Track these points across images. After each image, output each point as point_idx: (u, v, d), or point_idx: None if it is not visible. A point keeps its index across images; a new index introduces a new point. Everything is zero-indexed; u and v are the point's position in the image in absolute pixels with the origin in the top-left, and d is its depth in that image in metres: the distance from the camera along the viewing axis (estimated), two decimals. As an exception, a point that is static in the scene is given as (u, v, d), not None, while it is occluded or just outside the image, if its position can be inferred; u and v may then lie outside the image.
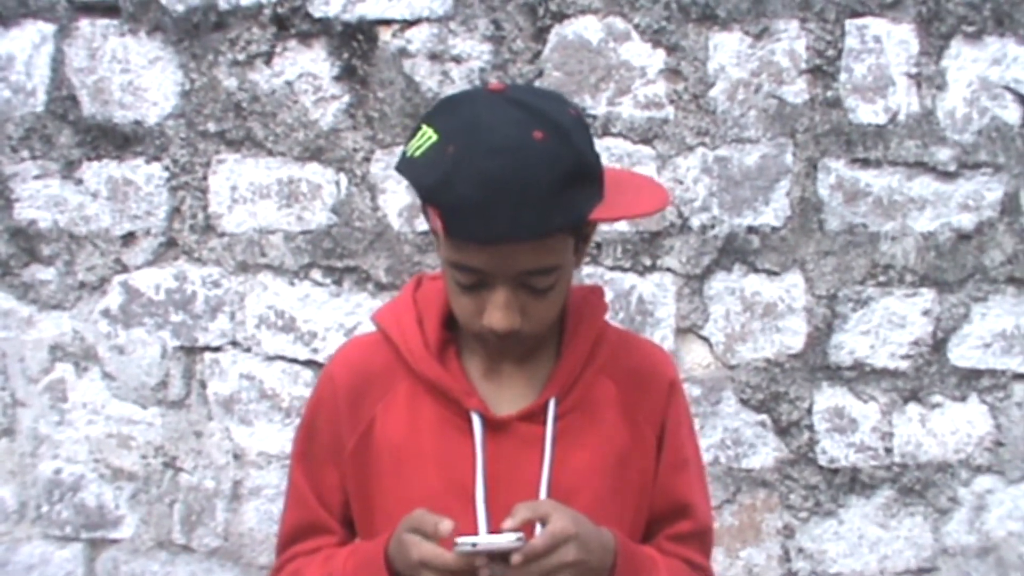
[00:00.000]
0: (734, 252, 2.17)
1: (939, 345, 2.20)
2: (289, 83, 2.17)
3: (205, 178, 2.19)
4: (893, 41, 2.19)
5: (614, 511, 1.10)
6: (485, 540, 0.96)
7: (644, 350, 1.20)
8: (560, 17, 2.16)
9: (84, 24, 2.20)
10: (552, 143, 0.96)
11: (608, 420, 1.12)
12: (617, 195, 1.03)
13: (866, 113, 2.18)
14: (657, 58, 2.16)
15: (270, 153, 2.18)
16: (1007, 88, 2.20)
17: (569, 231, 1.02)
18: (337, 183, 2.17)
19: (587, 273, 2.15)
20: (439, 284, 1.12)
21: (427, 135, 1.00)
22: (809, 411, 2.19)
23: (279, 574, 1.18)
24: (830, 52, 2.18)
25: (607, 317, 1.18)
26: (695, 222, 2.17)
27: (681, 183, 2.17)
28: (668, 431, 1.16)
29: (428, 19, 2.17)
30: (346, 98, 2.17)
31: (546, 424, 1.08)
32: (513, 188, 0.94)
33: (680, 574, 1.14)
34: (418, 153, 1.00)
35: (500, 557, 0.96)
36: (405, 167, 1.02)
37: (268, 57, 2.18)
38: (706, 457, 2.16)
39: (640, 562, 1.08)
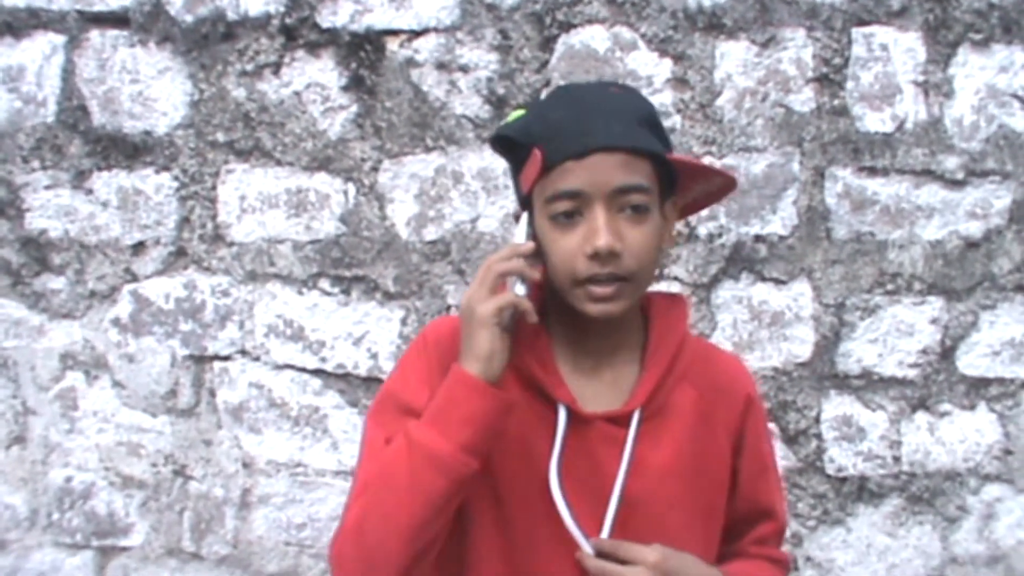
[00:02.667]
0: (741, 261, 2.17)
1: (947, 353, 2.19)
2: (297, 93, 2.19)
3: (214, 188, 2.20)
4: (900, 49, 2.18)
5: (687, 514, 1.15)
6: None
7: (725, 362, 1.26)
8: (567, 27, 2.16)
9: (94, 35, 2.22)
10: (626, 91, 1.15)
11: (686, 425, 1.16)
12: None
13: (873, 121, 2.18)
14: (664, 67, 2.17)
15: (278, 163, 2.19)
16: (1015, 96, 2.19)
17: (653, 163, 1.09)
18: (345, 193, 2.18)
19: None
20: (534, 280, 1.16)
21: (517, 115, 1.14)
22: (817, 419, 2.19)
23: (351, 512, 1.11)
24: (837, 60, 2.18)
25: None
26: (702, 231, 2.17)
27: (688, 192, 2.17)
28: (747, 441, 1.22)
29: (436, 29, 2.17)
30: (354, 108, 2.18)
31: (628, 428, 1.13)
32: (600, 109, 1.08)
33: (766, 573, 1.22)
34: (512, 120, 1.13)
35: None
36: (498, 133, 1.13)
37: (276, 67, 2.19)
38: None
39: None
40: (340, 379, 2.19)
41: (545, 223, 1.09)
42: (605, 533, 1.09)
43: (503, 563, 1.11)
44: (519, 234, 1.12)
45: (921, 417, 2.20)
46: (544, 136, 1.08)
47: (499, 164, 2.16)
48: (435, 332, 1.16)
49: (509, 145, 1.13)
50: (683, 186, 1.16)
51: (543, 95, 1.17)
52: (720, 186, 1.20)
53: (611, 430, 1.13)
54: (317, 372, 2.19)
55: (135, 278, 2.21)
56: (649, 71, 2.16)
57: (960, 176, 2.18)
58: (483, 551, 1.11)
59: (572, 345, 1.16)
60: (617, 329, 1.16)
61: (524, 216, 1.13)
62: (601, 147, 1.05)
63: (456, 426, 1.03)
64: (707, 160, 2.17)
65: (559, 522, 1.08)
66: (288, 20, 2.18)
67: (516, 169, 1.14)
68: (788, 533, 2.17)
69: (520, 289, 1.07)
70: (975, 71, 2.19)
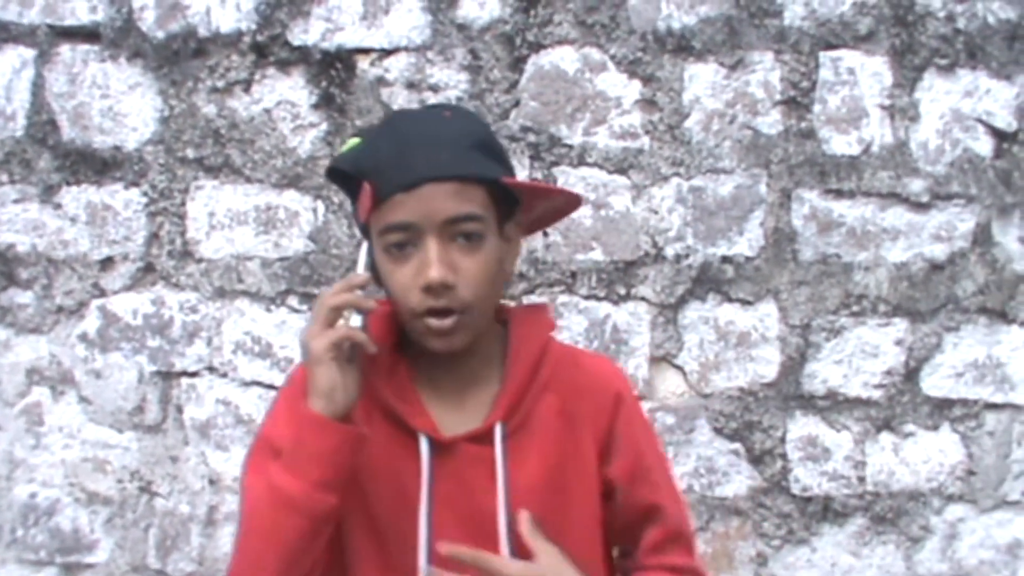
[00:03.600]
0: (708, 282, 2.19)
1: (911, 375, 2.22)
2: (267, 110, 2.19)
3: (183, 204, 2.20)
4: (867, 73, 2.21)
5: (556, 526, 1.11)
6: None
7: (590, 364, 1.23)
8: (537, 47, 2.18)
9: (64, 49, 2.22)
10: (459, 116, 1.15)
11: (550, 436, 1.14)
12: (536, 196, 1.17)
13: (840, 144, 2.20)
14: (633, 89, 2.18)
15: (248, 180, 2.19)
16: (979, 120, 2.22)
17: (486, 187, 1.08)
18: (314, 210, 2.19)
19: (561, 302, 2.16)
20: (387, 308, 1.15)
21: (352, 143, 1.14)
22: (782, 440, 2.20)
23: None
24: (804, 84, 2.20)
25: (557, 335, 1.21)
26: (669, 251, 2.18)
27: (656, 213, 2.18)
28: (621, 442, 1.17)
29: (406, 48, 2.18)
30: (324, 126, 2.19)
31: (495, 447, 1.11)
32: (427, 140, 1.08)
33: None
34: (346, 150, 1.14)
35: None
36: (333, 166, 1.14)
37: (247, 84, 2.19)
38: (679, 485, 2.17)
39: None
40: (308, 396, 2.18)
41: (381, 255, 1.09)
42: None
43: None
44: (359, 264, 1.12)
45: (886, 438, 2.22)
46: (374, 169, 1.07)
47: (468, 183, 2.16)
48: (302, 372, 1.14)
49: (343, 176, 1.12)
50: (527, 205, 1.16)
51: (378, 122, 1.19)
52: (564, 203, 1.20)
53: (477, 450, 1.11)
54: (285, 389, 2.19)
55: (103, 293, 2.21)
56: (618, 92, 2.18)
57: (925, 199, 2.21)
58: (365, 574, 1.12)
59: (432, 371, 1.14)
60: (476, 350, 1.14)
61: (364, 246, 1.12)
62: (428, 178, 1.05)
63: (306, 465, 1.03)
64: (675, 182, 2.18)
65: (433, 546, 1.08)
66: (259, 37, 2.19)
67: (353, 200, 1.13)
68: (753, 552, 2.19)
69: (355, 321, 1.06)
70: (940, 95, 2.21)
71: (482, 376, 1.15)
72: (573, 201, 1.20)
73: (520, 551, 1.08)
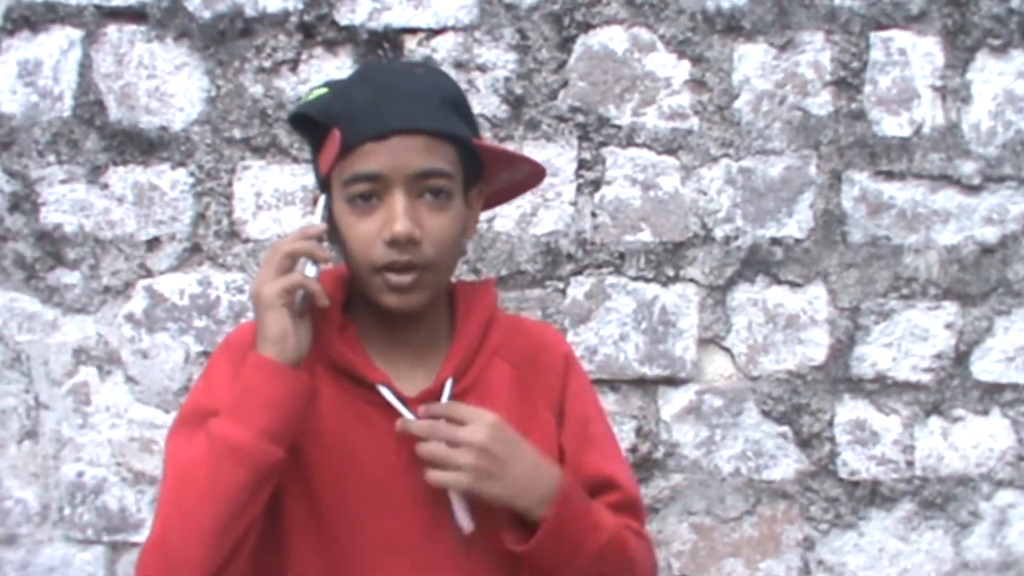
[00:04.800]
0: (757, 263, 2.17)
1: (961, 358, 2.19)
2: (315, 90, 2.18)
3: (230, 184, 2.20)
4: (918, 54, 2.19)
5: None
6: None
7: (535, 330, 1.23)
8: (585, 27, 2.16)
9: (111, 30, 2.22)
10: (432, 73, 1.15)
11: (503, 401, 1.11)
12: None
13: (890, 126, 2.18)
14: (682, 69, 2.17)
15: (295, 160, 2.19)
16: (1032, 102, 2.19)
17: (457, 149, 1.06)
18: (361, 190, 2.18)
19: (610, 283, 2.15)
20: (339, 270, 1.13)
21: (318, 93, 1.10)
22: (830, 423, 2.18)
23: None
24: (855, 64, 2.18)
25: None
26: (718, 233, 2.17)
27: (705, 194, 2.17)
28: (570, 406, 1.17)
29: (454, 28, 2.17)
30: (371, 106, 2.18)
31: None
32: (401, 91, 1.06)
33: (627, 537, 1.11)
34: (312, 97, 1.10)
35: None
36: (297, 111, 1.10)
37: (294, 64, 2.19)
38: (727, 468, 2.17)
39: (586, 510, 1.08)
40: (354, 377, 2.18)
41: (343, 206, 1.05)
42: (462, 522, 1.06)
43: (321, 558, 1.06)
44: (316, 216, 1.08)
45: (935, 422, 2.20)
46: (343, 116, 1.04)
47: (516, 164, 2.16)
48: (237, 335, 1.11)
49: (307, 123, 1.09)
50: (489, 174, 1.14)
51: (348, 74, 1.18)
52: (527, 175, 1.17)
53: None
54: (331, 370, 2.19)
55: (149, 274, 2.21)
56: (667, 73, 2.16)
57: (976, 181, 2.18)
58: (299, 547, 1.06)
59: (380, 338, 1.11)
60: (426, 319, 1.12)
61: (322, 198, 1.09)
62: (401, 129, 1.02)
63: (254, 412, 0.98)
64: (724, 163, 2.17)
65: (382, 518, 1.05)
66: (306, 17, 2.18)
67: (315, 149, 1.10)
68: (800, 536, 2.18)
69: (310, 270, 1.03)
70: (993, 76, 2.19)
71: (431, 346, 1.13)
72: (537, 173, 1.17)
73: (477, 515, 1.05)
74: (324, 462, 1.07)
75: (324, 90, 1.09)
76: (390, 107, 1.03)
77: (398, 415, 1.07)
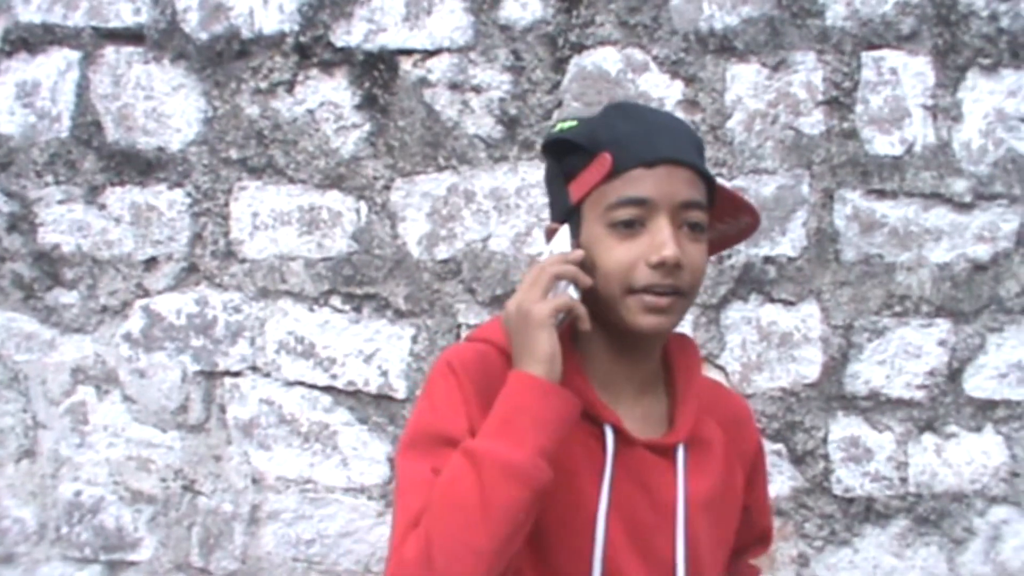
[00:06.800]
0: (751, 282, 2.19)
1: (954, 375, 2.21)
2: (311, 111, 2.20)
3: (227, 204, 2.21)
4: (909, 73, 2.20)
5: (713, 543, 1.16)
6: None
7: (734, 398, 1.30)
8: (579, 48, 2.18)
9: (109, 51, 2.23)
10: (675, 116, 1.20)
11: (716, 459, 1.17)
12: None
13: (882, 144, 2.20)
14: (675, 89, 2.18)
15: (291, 180, 2.20)
16: (1023, 120, 2.21)
17: (707, 186, 1.11)
18: (357, 211, 2.20)
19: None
20: None
21: (566, 124, 1.13)
22: (824, 440, 2.20)
23: (408, 541, 1.00)
24: (847, 84, 2.20)
25: None
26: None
27: (698, 213, 2.18)
28: (757, 472, 1.26)
29: (449, 49, 2.19)
30: (367, 127, 2.19)
31: (671, 459, 1.12)
32: (666, 127, 1.11)
33: None
34: (566, 127, 1.13)
35: None
36: (556, 137, 1.13)
37: (290, 85, 2.20)
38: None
39: None
40: (350, 396, 2.20)
41: (600, 230, 1.08)
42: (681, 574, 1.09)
43: None
44: (562, 244, 1.09)
45: (928, 439, 2.21)
46: (612, 143, 1.08)
47: (511, 184, 2.17)
48: (458, 357, 1.09)
49: (566, 150, 1.11)
50: (715, 219, 1.17)
51: (598, 112, 1.18)
52: (743, 228, 1.21)
53: (655, 459, 1.11)
54: (327, 389, 2.20)
55: (147, 293, 2.22)
56: (660, 93, 2.18)
57: (968, 199, 2.20)
58: (522, 572, 1.06)
59: (606, 371, 1.13)
60: (650, 357, 1.15)
61: (566, 227, 1.10)
62: (672, 159, 1.06)
63: (528, 432, 0.98)
64: (718, 182, 2.18)
65: (596, 552, 1.05)
66: (302, 38, 2.20)
67: (567, 177, 1.12)
68: (795, 552, 2.19)
69: (574, 294, 1.06)
70: (984, 95, 2.21)
71: (651, 385, 1.16)
72: (752, 226, 1.21)
73: (692, 561, 1.09)
74: (553, 490, 1.06)
75: (574, 123, 1.13)
76: (660, 137, 1.08)
77: (626, 453, 1.09)
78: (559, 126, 1.13)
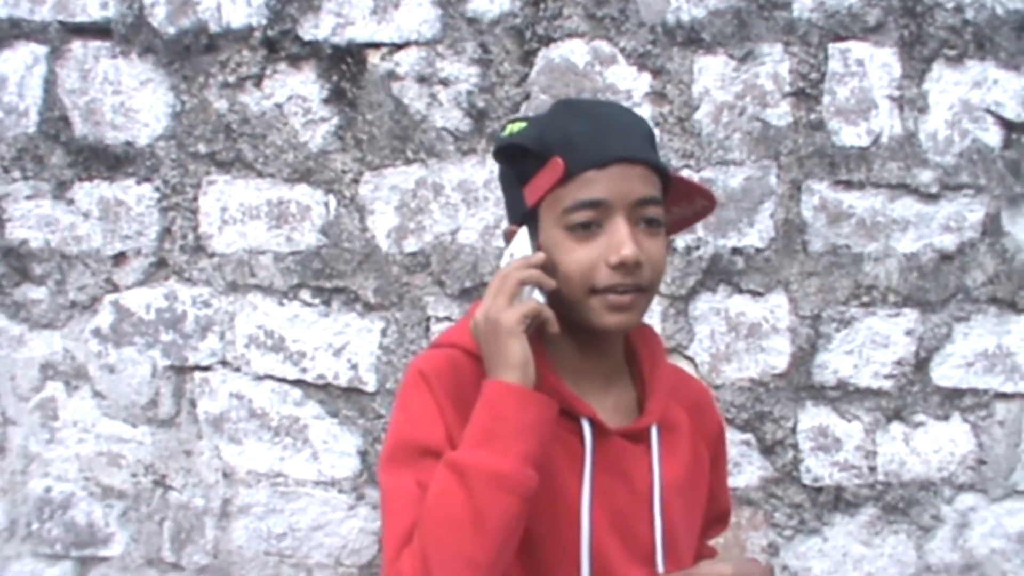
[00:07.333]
0: (719, 273, 2.20)
1: (922, 364, 2.22)
2: (279, 105, 2.20)
3: (195, 199, 2.21)
4: (876, 64, 2.21)
5: (688, 525, 1.19)
6: None
7: (695, 383, 1.34)
8: (547, 40, 2.18)
9: (76, 46, 2.23)
10: (627, 109, 1.18)
11: (684, 443, 1.20)
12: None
13: (849, 135, 2.21)
14: (643, 81, 2.19)
15: (260, 174, 2.20)
16: (988, 111, 2.22)
17: (661, 178, 1.11)
18: (326, 204, 2.20)
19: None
20: None
21: (516, 126, 1.13)
22: (793, 430, 2.21)
23: (402, 557, 1.00)
24: (813, 75, 2.21)
25: None
26: (680, 243, 2.19)
27: (666, 204, 2.19)
28: (719, 452, 1.30)
29: (416, 42, 2.19)
30: (335, 120, 2.19)
31: (645, 444, 1.14)
32: (616, 123, 1.10)
33: None
34: (516, 130, 1.12)
35: None
36: (507, 142, 1.12)
37: (258, 79, 2.20)
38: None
39: None
40: (320, 390, 2.20)
41: (558, 233, 1.08)
42: (659, 558, 1.10)
43: None
44: (521, 247, 1.09)
45: (896, 427, 2.22)
46: (563, 145, 1.08)
47: (479, 177, 2.17)
48: (429, 364, 1.10)
49: (517, 155, 1.11)
50: (670, 204, 1.17)
51: (548, 109, 1.18)
52: (698, 210, 1.23)
53: (630, 446, 1.13)
54: (298, 383, 2.20)
55: (116, 288, 2.22)
56: (628, 85, 2.19)
57: (934, 190, 2.21)
58: (509, 570, 1.05)
59: (573, 368, 1.14)
60: (616, 349, 1.17)
61: (524, 229, 1.11)
62: (623, 158, 1.07)
63: (511, 440, 0.99)
64: (685, 174, 2.19)
65: (581, 544, 1.07)
66: (270, 32, 2.20)
67: (521, 180, 1.12)
68: (765, 542, 2.21)
69: (540, 297, 1.06)
70: (949, 86, 2.22)
71: (618, 375, 1.18)
72: (708, 207, 1.22)
73: (670, 551, 1.11)
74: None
75: (524, 124, 1.13)
76: (611, 136, 1.08)
77: (602, 444, 1.11)
78: (509, 128, 1.13)
